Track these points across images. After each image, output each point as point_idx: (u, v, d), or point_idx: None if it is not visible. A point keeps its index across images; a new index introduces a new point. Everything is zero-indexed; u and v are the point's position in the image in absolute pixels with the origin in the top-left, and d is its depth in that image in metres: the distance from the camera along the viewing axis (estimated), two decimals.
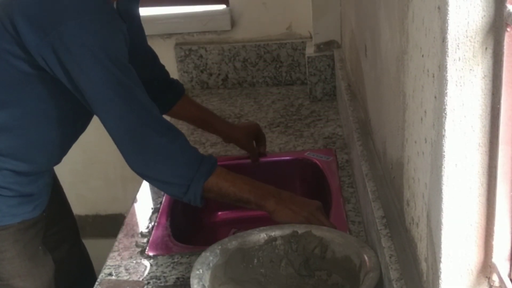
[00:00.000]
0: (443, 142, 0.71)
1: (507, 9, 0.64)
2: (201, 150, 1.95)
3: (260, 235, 1.32)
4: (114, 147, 1.36)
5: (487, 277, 0.77)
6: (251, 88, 2.48)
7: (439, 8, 0.69)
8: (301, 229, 1.32)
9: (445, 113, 0.69)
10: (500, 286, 0.76)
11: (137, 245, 1.52)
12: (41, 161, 1.49)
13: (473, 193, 0.73)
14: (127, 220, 1.64)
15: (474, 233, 0.75)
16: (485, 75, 0.68)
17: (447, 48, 0.67)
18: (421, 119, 0.82)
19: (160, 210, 1.65)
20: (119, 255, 1.48)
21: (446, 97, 0.69)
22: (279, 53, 2.44)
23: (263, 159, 1.87)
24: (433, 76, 0.74)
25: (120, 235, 1.57)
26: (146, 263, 1.44)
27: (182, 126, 2.13)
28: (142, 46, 1.70)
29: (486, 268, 0.77)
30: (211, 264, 1.24)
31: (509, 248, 0.75)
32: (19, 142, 1.43)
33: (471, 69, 0.67)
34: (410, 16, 0.86)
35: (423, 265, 0.87)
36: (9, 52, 1.33)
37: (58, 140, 1.49)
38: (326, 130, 2.04)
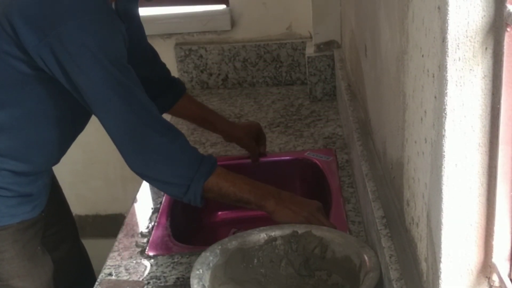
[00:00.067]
0: (443, 142, 0.71)
1: (507, 9, 0.64)
2: (201, 150, 1.95)
3: (260, 235, 1.32)
4: (114, 147, 1.36)
5: (487, 277, 0.77)
6: (251, 88, 2.48)
7: (439, 8, 0.69)
8: (301, 229, 1.32)
9: (445, 113, 0.69)
10: (500, 286, 0.76)
11: (137, 245, 1.52)
12: (40, 161, 1.49)
13: (473, 193, 0.73)
14: (127, 220, 1.64)
15: (474, 233, 0.75)
16: (485, 75, 0.68)
17: (447, 48, 0.67)
18: (421, 119, 0.82)
19: (160, 210, 1.65)
20: (119, 255, 1.48)
21: (446, 97, 0.69)
22: (279, 53, 2.44)
23: (263, 159, 1.87)
24: (433, 76, 0.74)
25: (120, 235, 1.57)
26: (146, 263, 1.44)
27: (182, 126, 2.13)
28: (142, 44, 1.70)
29: (486, 268, 0.77)
30: (211, 264, 1.24)
31: (509, 248, 0.75)
32: (18, 142, 1.43)
33: (471, 69, 0.67)
34: (410, 16, 0.86)
35: (423, 265, 0.87)
36: (8, 52, 1.33)
37: (57, 140, 1.49)
38: (326, 130, 2.04)
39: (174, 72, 2.43)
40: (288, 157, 1.91)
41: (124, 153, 1.35)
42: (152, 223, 1.60)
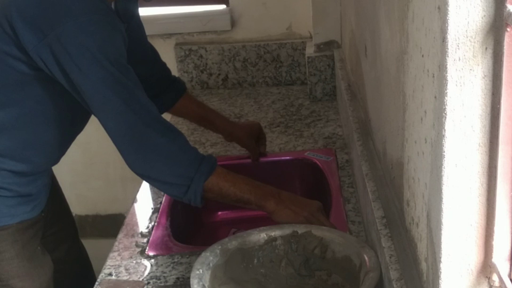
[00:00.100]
0: (443, 142, 0.71)
1: (507, 9, 0.64)
2: (201, 150, 1.95)
3: (260, 235, 1.32)
4: (114, 147, 1.36)
5: (487, 277, 0.77)
6: (251, 88, 2.48)
7: (439, 8, 0.69)
8: (301, 229, 1.32)
9: (445, 113, 0.69)
10: (500, 286, 0.76)
11: (137, 245, 1.52)
12: (39, 161, 1.49)
13: (473, 193, 0.73)
14: (127, 220, 1.64)
15: (474, 233, 0.75)
16: (485, 75, 0.68)
17: (447, 48, 0.67)
18: (421, 119, 0.82)
19: (160, 210, 1.65)
20: (119, 255, 1.48)
21: (446, 97, 0.69)
22: (279, 53, 2.44)
23: (263, 159, 1.87)
24: (433, 76, 0.74)
25: (120, 235, 1.57)
26: (146, 263, 1.44)
27: (182, 126, 2.13)
28: (142, 44, 1.70)
29: (486, 268, 0.77)
30: (211, 264, 1.24)
31: (509, 248, 0.75)
32: (17, 143, 1.43)
33: (471, 69, 0.67)
34: (410, 16, 0.86)
35: (423, 265, 0.87)
36: (7, 53, 1.33)
37: (56, 140, 1.49)
38: (326, 130, 2.04)
39: (174, 72, 2.42)
40: (288, 157, 1.91)
41: (124, 153, 1.34)
42: (152, 223, 1.60)
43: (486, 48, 0.67)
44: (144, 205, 1.71)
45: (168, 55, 2.38)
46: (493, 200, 0.73)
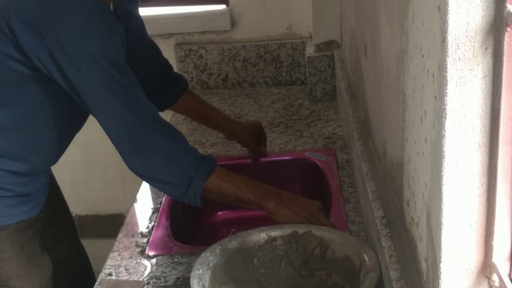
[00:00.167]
0: (443, 142, 0.71)
1: (507, 9, 0.64)
2: (201, 150, 1.95)
3: (260, 235, 1.32)
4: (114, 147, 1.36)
5: (487, 277, 0.77)
6: (251, 88, 2.48)
7: (439, 8, 0.69)
8: (301, 229, 1.32)
9: (445, 113, 0.69)
10: (500, 286, 0.76)
11: (137, 245, 1.52)
12: (38, 161, 1.49)
13: (473, 193, 0.73)
14: (127, 220, 1.64)
15: (474, 233, 0.75)
16: (485, 75, 0.68)
17: (447, 48, 0.67)
18: (421, 119, 0.82)
19: (160, 210, 1.65)
20: (119, 255, 1.48)
21: (446, 97, 0.69)
22: (279, 53, 2.44)
23: (263, 159, 1.87)
24: (433, 76, 0.74)
25: (120, 235, 1.57)
26: (146, 263, 1.44)
27: (182, 126, 2.13)
28: (142, 41, 1.70)
29: (486, 268, 0.77)
30: (211, 264, 1.24)
31: (509, 248, 0.75)
32: (16, 143, 1.43)
33: (471, 69, 0.67)
34: (410, 16, 0.86)
35: (423, 265, 0.87)
36: (5, 53, 1.33)
37: (55, 140, 1.49)
38: (326, 130, 2.04)
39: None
40: (288, 157, 1.91)
41: (124, 153, 1.34)
42: (152, 223, 1.60)
43: (486, 48, 0.67)
44: (144, 205, 1.71)
45: (168, 55, 2.36)
46: (493, 200, 0.73)
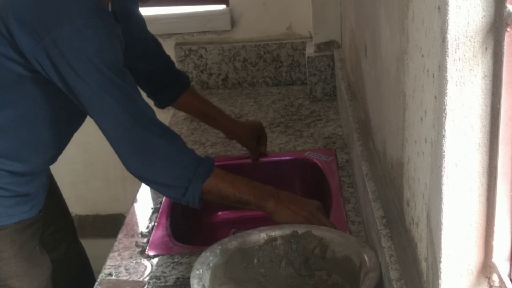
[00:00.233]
0: (443, 142, 0.71)
1: (507, 9, 0.64)
2: (201, 150, 1.95)
3: (260, 235, 1.32)
4: None
5: (487, 277, 0.77)
6: (251, 88, 2.48)
7: (439, 8, 0.69)
8: (301, 229, 1.32)
9: (445, 113, 0.69)
10: (500, 286, 0.76)
11: (137, 245, 1.52)
12: (37, 161, 1.49)
13: (473, 193, 0.73)
14: (127, 220, 1.64)
15: (474, 233, 0.75)
16: (485, 75, 0.68)
17: (447, 48, 0.67)
18: (421, 119, 0.82)
19: (160, 210, 1.65)
20: (119, 255, 1.48)
21: (446, 97, 0.69)
22: (279, 53, 2.44)
23: (263, 159, 1.87)
24: (433, 76, 0.74)
25: (120, 235, 1.57)
26: (146, 263, 1.44)
27: (182, 126, 2.13)
28: (143, 39, 1.70)
29: (486, 268, 0.77)
30: (211, 264, 1.24)
31: (509, 248, 0.75)
32: (14, 143, 1.43)
33: (471, 69, 0.67)
34: (410, 16, 0.86)
35: (423, 265, 0.87)
36: (3, 54, 1.33)
37: (53, 139, 1.49)
38: (326, 130, 2.04)
39: None
40: (288, 157, 1.91)
41: (122, 155, 1.34)
42: (152, 223, 1.60)
43: (486, 48, 0.67)
44: (144, 205, 1.71)
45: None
46: (493, 200, 0.73)
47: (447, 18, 0.66)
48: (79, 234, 1.90)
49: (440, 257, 0.76)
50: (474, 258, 0.76)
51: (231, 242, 1.29)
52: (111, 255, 1.49)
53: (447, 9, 0.65)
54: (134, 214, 1.67)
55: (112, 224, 2.56)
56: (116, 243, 1.53)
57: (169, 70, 1.79)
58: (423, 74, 0.79)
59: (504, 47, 0.66)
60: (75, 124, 1.55)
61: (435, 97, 0.73)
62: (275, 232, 1.32)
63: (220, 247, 1.28)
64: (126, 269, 1.43)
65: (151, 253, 1.48)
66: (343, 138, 1.96)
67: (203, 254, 1.25)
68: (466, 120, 0.70)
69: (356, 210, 1.55)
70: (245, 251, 1.30)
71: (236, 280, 1.27)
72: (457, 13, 0.65)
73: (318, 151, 1.89)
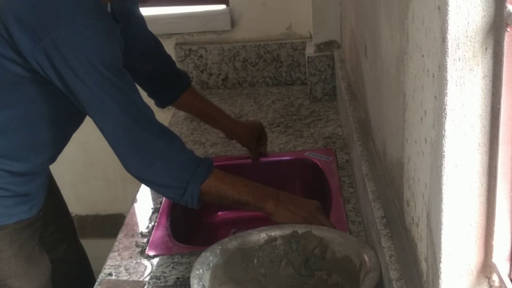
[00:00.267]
0: (443, 142, 0.71)
1: (507, 9, 0.64)
2: (201, 150, 1.95)
3: (260, 235, 1.32)
4: None
5: (487, 277, 0.77)
6: (251, 88, 2.48)
7: (439, 8, 0.69)
8: (301, 229, 1.32)
9: (445, 113, 0.69)
10: (500, 286, 0.76)
11: (137, 245, 1.52)
12: (36, 160, 1.49)
13: (473, 193, 0.73)
14: (127, 220, 1.64)
15: (474, 233, 0.75)
16: (485, 75, 0.68)
17: (447, 48, 0.67)
18: (421, 119, 0.82)
19: (160, 210, 1.65)
20: (119, 255, 1.48)
21: (446, 97, 0.69)
22: (279, 53, 2.44)
23: (263, 159, 1.87)
24: (433, 76, 0.74)
25: (120, 235, 1.57)
26: (146, 263, 1.44)
27: (182, 126, 2.13)
28: (143, 39, 1.69)
29: (486, 268, 0.77)
30: (211, 264, 1.24)
31: (509, 248, 0.75)
32: (14, 143, 1.43)
33: (471, 69, 0.67)
34: (410, 16, 0.86)
35: (423, 265, 0.87)
36: (2, 55, 1.33)
37: (53, 139, 1.49)
38: (326, 130, 2.04)
39: None
40: (288, 157, 1.91)
41: (121, 156, 1.34)
42: (152, 223, 1.60)
43: (486, 48, 0.67)
44: (144, 205, 1.71)
45: None
46: (493, 200, 0.73)
47: (447, 18, 0.66)
48: (79, 234, 1.90)
49: (440, 257, 0.76)
50: (474, 258, 0.76)
51: (231, 242, 1.30)
52: (111, 255, 1.49)
53: (447, 9, 0.65)
54: (134, 214, 1.67)
55: (112, 224, 2.56)
56: (116, 243, 1.53)
57: (169, 70, 1.79)
58: (423, 74, 0.79)
59: (504, 47, 0.66)
60: (75, 124, 1.55)
61: (435, 97, 0.73)
62: (275, 232, 1.32)
63: (220, 247, 1.28)
64: (126, 269, 1.43)
65: (151, 253, 1.48)
66: (343, 138, 1.96)
67: (203, 254, 1.25)
68: (466, 120, 0.70)
69: (356, 210, 1.55)
70: (245, 251, 1.30)
71: (236, 280, 1.27)
72: (457, 13, 0.65)
73: (318, 151, 1.89)
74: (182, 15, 2.48)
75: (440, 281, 0.78)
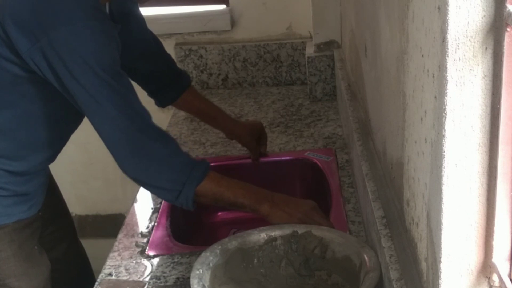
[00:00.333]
0: (443, 142, 0.71)
1: (507, 9, 0.64)
2: (201, 150, 1.95)
3: (260, 235, 1.32)
4: None
5: (487, 277, 0.77)
6: (251, 88, 2.48)
7: (439, 8, 0.69)
8: (301, 229, 1.32)
9: (445, 113, 0.69)
10: (500, 286, 0.76)
11: (137, 245, 1.52)
12: (35, 160, 1.49)
13: (473, 193, 0.73)
14: (127, 220, 1.64)
15: (474, 233, 0.75)
16: (485, 75, 0.68)
17: (447, 48, 0.67)
18: (421, 119, 0.82)
19: (160, 210, 1.65)
20: (119, 255, 1.48)
21: (446, 97, 0.69)
22: (279, 53, 2.44)
23: (263, 159, 1.87)
24: (433, 76, 0.74)
25: (120, 235, 1.57)
26: (146, 263, 1.44)
27: (182, 126, 2.13)
28: (143, 40, 1.69)
29: (486, 268, 0.77)
30: (211, 264, 1.24)
31: (509, 248, 0.75)
32: (13, 143, 1.43)
33: (471, 69, 0.67)
34: (410, 16, 0.86)
35: (423, 265, 0.87)
36: (0, 55, 1.33)
37: (51, 139, 1.49)
38: (326, 130, 2.04)
39: None
40: (288, 157, 1.90)
41: (118, 157, 1.35)
42: (152, 223, 1.60)
43: (486, 48, 0.67)
44: (144, 205, 1.71)
45: None
46: (493, 200, 0.73)
47: (447, 18, 0.66)
48: (79, 234, 1.89)
49: (440, 257, 0.76)
50: (474, 258, 0.76)
51: (231, 242, 1.30)
52: (111, 255, 1.49)
53: (447, 9, 0.65)
54: (134, 214, 1.67)
55: (112, 224, 2.56)
56: (116, 243, 1.53)
57: (170, 70, 1.79)
58: (423, 74, 0.79)
59: (504, 47, 0.66)
60: (74, 123, 1.55)
61: (435, 97, 0.73)
62: (275, 232, 1.32)
63: (220, 247, 1.28)
64: (126, 269, 1.43)
65: (151, 253, 1.48)
66: (343, 138, 1.96)
67: (203, 254, 1.25)
68: (466, 120, 0.70)
69: (356, 210, 1.55)
70: (245, 251, 1.30)
71: (236, 280, 1.27)
72: (457, 13, 0.65)
73: (318, 151, 1.89)
74: (182, 15, 2.48)
75: (440, 281, 0.78)
